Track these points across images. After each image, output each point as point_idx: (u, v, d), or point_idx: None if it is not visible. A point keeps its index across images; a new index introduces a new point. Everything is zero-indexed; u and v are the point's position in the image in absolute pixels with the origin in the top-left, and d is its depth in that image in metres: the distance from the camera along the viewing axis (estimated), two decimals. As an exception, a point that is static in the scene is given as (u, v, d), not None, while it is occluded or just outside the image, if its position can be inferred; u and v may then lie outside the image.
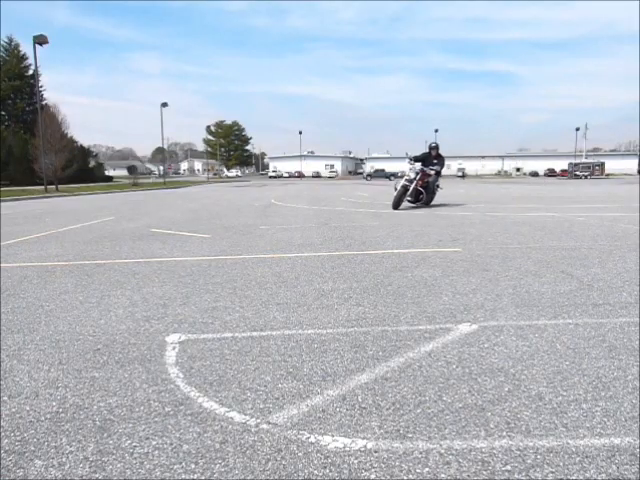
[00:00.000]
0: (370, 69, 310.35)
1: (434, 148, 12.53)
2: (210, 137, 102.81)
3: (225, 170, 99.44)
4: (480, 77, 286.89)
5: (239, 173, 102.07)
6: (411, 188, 11.78)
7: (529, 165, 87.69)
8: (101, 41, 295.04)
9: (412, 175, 11.78)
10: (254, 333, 2.85)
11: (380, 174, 63.01)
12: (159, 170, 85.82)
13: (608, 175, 62.24)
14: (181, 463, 1.59)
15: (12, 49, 49.26)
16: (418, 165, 12.01)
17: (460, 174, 71.56)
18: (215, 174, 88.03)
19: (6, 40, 49.00)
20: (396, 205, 11.63)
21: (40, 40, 25.92)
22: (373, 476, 1.51)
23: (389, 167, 71.38)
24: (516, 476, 1.50)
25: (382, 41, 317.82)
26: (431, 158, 12.37)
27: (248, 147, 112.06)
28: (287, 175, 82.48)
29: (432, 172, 11.92)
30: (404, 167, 14.77)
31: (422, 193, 12.05)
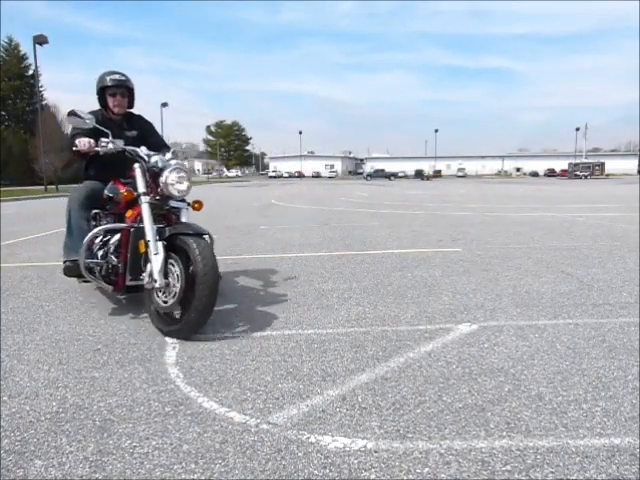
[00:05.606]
0: (367, 66, 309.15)
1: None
2: (210, 137, 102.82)
3: (225, 170, 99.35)
4: (480, 74, 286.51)
5: (239, 173, 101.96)
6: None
7: (529, 165, 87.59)
8: (96, 38, 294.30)
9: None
10: (254, 333, 2.85)
11: (380, 174, 62.97)
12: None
13: (608, 175, 62.14)
14: (181, 463, 1.59)
15: (12, 49, 49.26)
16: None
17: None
18: (216, 170, 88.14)
19: (6, 40, 49.05)
20: None
21: (40, 40, 25.92)
22: (373, 476, 1.51)
23: (389, 167, 71.39)
24: (516, 476, 1.49)
25: (380, 36, 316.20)
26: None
27: (248, 147, 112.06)
28: (287, 175, 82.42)
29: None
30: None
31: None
